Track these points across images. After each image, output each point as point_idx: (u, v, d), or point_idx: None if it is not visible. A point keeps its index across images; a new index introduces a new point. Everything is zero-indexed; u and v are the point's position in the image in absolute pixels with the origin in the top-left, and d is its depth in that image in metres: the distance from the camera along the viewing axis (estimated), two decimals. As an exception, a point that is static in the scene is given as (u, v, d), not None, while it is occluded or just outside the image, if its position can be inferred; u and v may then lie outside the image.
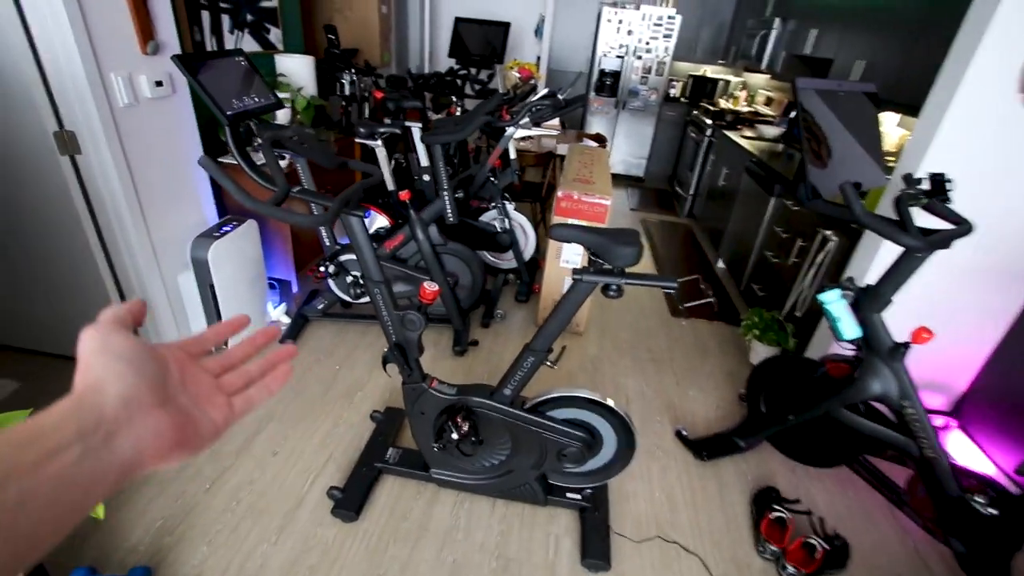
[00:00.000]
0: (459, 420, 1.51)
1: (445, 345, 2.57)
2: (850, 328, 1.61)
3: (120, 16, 1.71)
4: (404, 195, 2.26)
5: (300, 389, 2.19)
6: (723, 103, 5.21)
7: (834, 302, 1.62)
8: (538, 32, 5.42)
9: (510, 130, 2.36)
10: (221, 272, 2.09)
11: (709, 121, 4.45)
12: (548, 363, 1.50)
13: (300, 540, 1.58)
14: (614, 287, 1.33)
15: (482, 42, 4.40)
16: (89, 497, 0.29)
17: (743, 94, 5.15)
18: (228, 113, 1.15)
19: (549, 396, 1.57)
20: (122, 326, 0.35)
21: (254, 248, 2.30)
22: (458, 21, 4.44)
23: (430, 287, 1.43)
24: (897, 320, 1.68)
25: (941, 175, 1.51)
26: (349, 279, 2.43)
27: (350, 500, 1.68)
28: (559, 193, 2.38)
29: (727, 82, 5.44)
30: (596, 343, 2.73)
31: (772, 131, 4.00)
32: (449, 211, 2.34)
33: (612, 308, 3.06)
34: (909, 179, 1.55)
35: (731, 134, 3.97)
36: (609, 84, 5.24)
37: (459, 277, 2.54)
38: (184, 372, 0.37)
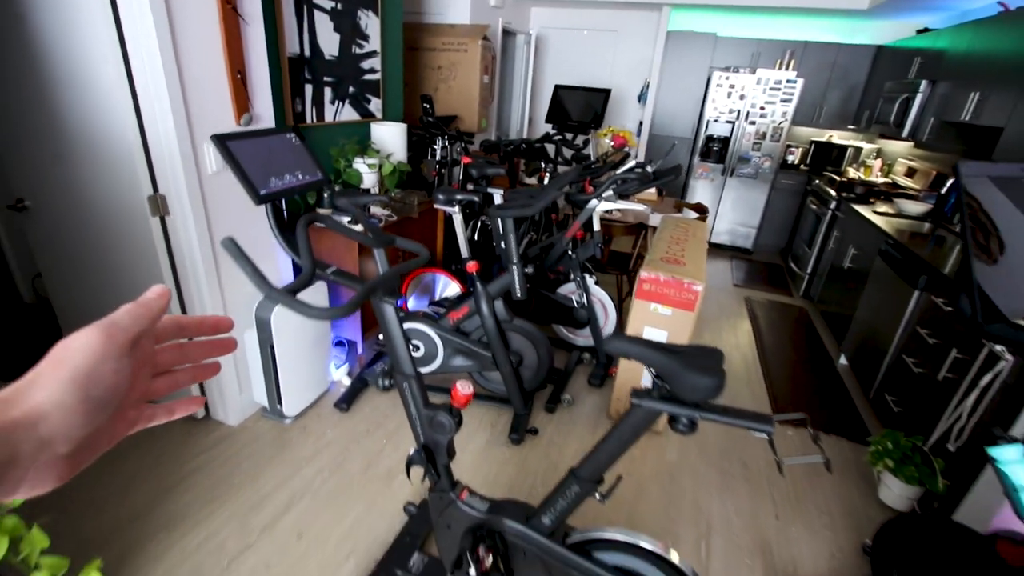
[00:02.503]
0: (480, 552, 1.26)
1: (502, 429, 2.33)
2: (1041, 504, 1.12)
3: (218, 90, 1.82)
4: (472, 267, 2.13)
5: (342, 461, 2.07)
6: (852, 172, 4.61)
7: (1014, 463, 1.15)
8: (641, 98, 5.30)
9: (592, 203, 2.17)
10: (283, 333, 2.08)
11: (833, 192, 3.92)
12: (597, 497, 1.21)
13: (297, 658, 1.39)
14: (685, 421, 1.03)
15: (583, 108, 4.35)
16: None
17: (877, 163, 4.52)
18: (261, 192, 1.09)
19: (599, 536, 1.26)
20: (135, 339, 0.32)
21: (324, 331, 2.30)
22: (558, 88, 4.46)
23: (463, 389, 1.23)
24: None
25: None
26: (411, 348, 2.32)
27: (360, 616, 1.47)
28: (642, 274, 2.11)
29: (857, 149, 4.84)
30: (677, 447, 2.33)
31: (915, 207, 3.39)
32: (517, 286, 2.16)
33: (701, 404, 2.63)
34: None
35: (861, 208, 3.43)
36: (717, 150, 4.90)
37: (523, 356, 2.33)
38: (135, 376, 0.33)
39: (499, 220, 2.11)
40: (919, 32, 4.10)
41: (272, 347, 2.07)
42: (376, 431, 2.27)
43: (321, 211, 2.28)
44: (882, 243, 2.91)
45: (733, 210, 5.12)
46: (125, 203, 1.87)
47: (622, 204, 2.21)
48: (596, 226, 2.58)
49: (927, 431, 2.03)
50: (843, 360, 3.18)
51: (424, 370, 2.39)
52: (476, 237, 3.42)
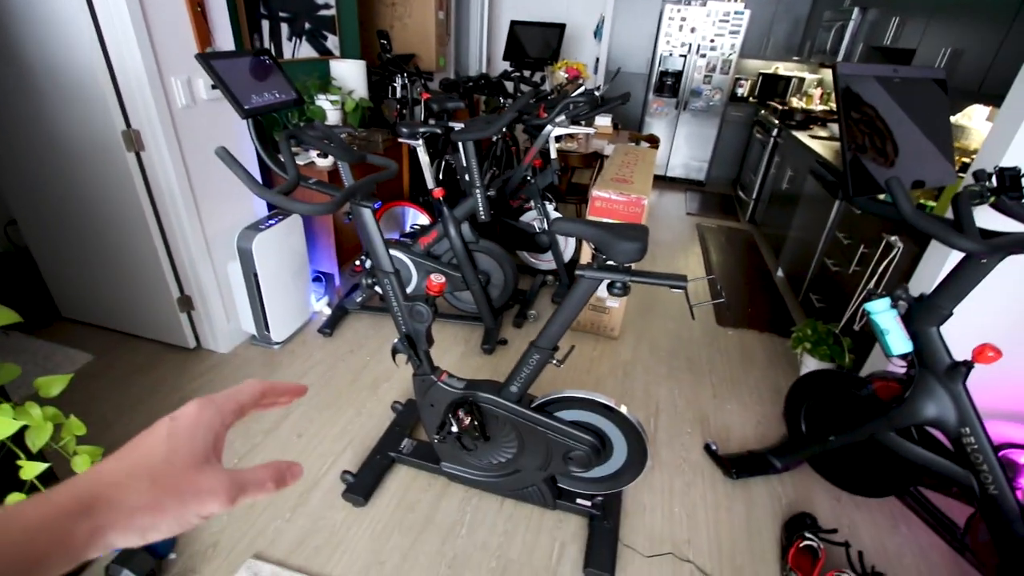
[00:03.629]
0: (461, 414, 1.50)
1: (475, 343, 2.58)
2: (900, 342, 1.43)
3: (181, 23, 1.87)
4: (437, 192, 2.30)
5: (330, 377, 2.28)
6: (795, 102, 4.87)
7: (882, 312, 1.45)
8: (597, 33, 5.35)
9: (547, 128, 2.34)
10: (265, 262, 2.22)
11: (776, 121, 4.17)
12: (554, 362, 1.46)
13: (310, 520, 1.64)
14: (619, 285, 1.27)
15: (539, 44, 4.40)
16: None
17: (818, 92, 4.78)
18: (246, 106, 1.22)
19: (556, 396, 1.52)
20: (232, 417, 0.36)
21: (298, 241, 2.44)
22: (513, 24, 4.48)
23: (436, 279, 1.43)
24: (958, 337, 1.48)
25: (1016, 169, 1.31)
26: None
27: (361, 486, 1.72)
28: (593, 192, 2.32)
29: (801, 80, 5.08)
30: (631, 349, 2.63)
31: (846, 130, 3.67)
32: (481, 209, 2.35)
33: (652, 313, 2.94)
34: (978, 174, 1.36)
35: (799, 134, 3.70)
36: (670, 84, 5.06)
37: (491, 276, 2.55)
38: (211, 451, 0.35)
39: (461, 146, 2.26)
40: (857, -40, 4.26)
41: (256, 275, 2.22)
42: (359, 350, 2.47)
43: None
44: (812, 163, 3.19)
45: (687, 144, 5.35)
46: (99, 140, 1.93)
47: (575, 129, 2.38)
48: (553, 154, 2.76)
49: (841, 318, 2.38)
50: (780, 273, 3.53)
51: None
52: (441, 177, 3.54)
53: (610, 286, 1.29)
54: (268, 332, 2.38)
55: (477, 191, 2.32)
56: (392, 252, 2.43)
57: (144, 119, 1.87)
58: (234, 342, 2.44)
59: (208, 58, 1.19)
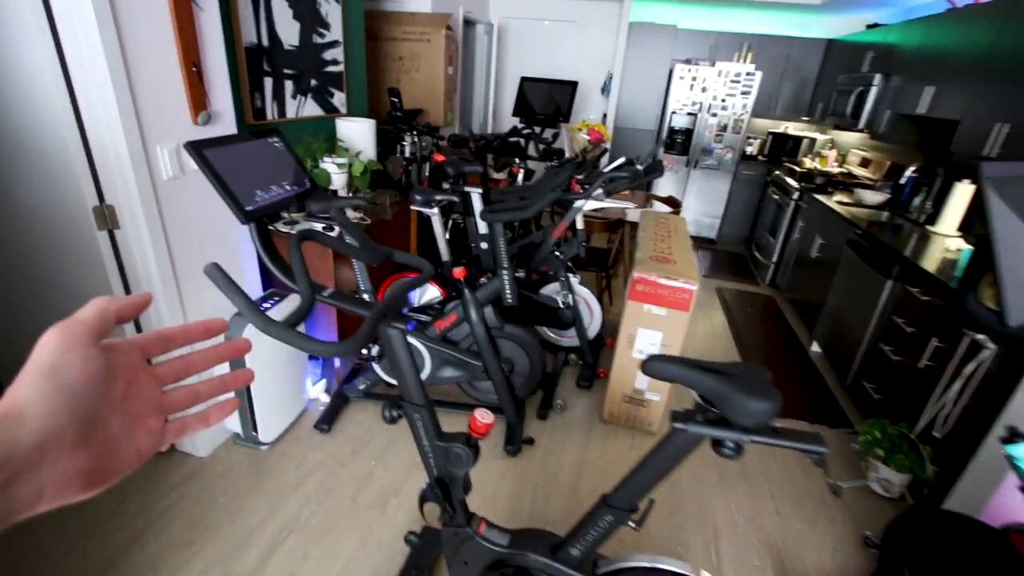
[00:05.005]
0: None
1: (496, 440, 2.24)
2: (1060, 499, 1.15)
3: (171, 86, 1.61)
4: (459, 273, 2.01)
5: (329, 488, 1.92)
6: (808, 163, 4.77)
7: (1032, 459, 1.17)
8: (604, 90, 5.27)
9: (579, 203, 2.10)
10: (256, 354, 1.88)
11: (795, 183, 4.03)
12: (631, 524, 1.14)
13: None
14: (731, 444, 0.98)
15: (547, 101, 4.27)
16: None
17: (832, 153, 4.70)
18: (248, 208, 0.94)
19: (629, 565, 1.19)
20: (98, 333, 0.31)
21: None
22: (524, 80, 4.35)
23: (483, 418, 1.13)
24: None
25: None
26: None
27: (370, 665, 1.35)
28: (635, 275, 2.06)
29: (812, 140, 5.01)
30: (672, 447, 2.31)
31: (873, 197, 3.53)
32: (508, 292, 2.07)
33: (686, 405, 2.63)
34: None
35: (823, 198, 3.54)
36: (680, 142, 4.95)
37: (515, 364, 2.24)
38: (130, 383, 0.33)
39: (489, 224, 2.00)
40: (869, 27, 4.26)
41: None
42: (362, 451, 2.12)
43: (293, 216, 2.10)
44: (850, 233, 3.00)
45: (697, 201, 5.20)
46: (65, 214, 1.63)
47: (612, 203, 2.15)
48: (580, 224, 2.52)
49: (909, 418, 2.10)
50: (816, 347, 3.28)
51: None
52: (448, 236, 3.28)
53: (717, 444, 0.99)
54: (256, 432, 2.02)
55: (504, 273, 2.05)
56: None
57: (121, 194, 1.57)
58: (215, 442, 2.08)
59: (200, 148, 0.91)
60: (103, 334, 0.32)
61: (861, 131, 3.83)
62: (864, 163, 4.33)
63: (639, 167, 2.01)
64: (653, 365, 0.99)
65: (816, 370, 3.09)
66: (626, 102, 5.20)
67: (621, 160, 2.12)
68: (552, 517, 1.89)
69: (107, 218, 1.61)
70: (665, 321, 2.11)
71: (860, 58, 4.08)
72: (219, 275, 0.87)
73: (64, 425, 0.28)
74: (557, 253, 2.40)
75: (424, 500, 1.24)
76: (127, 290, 1.74)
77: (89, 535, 1.66)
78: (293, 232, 1.65)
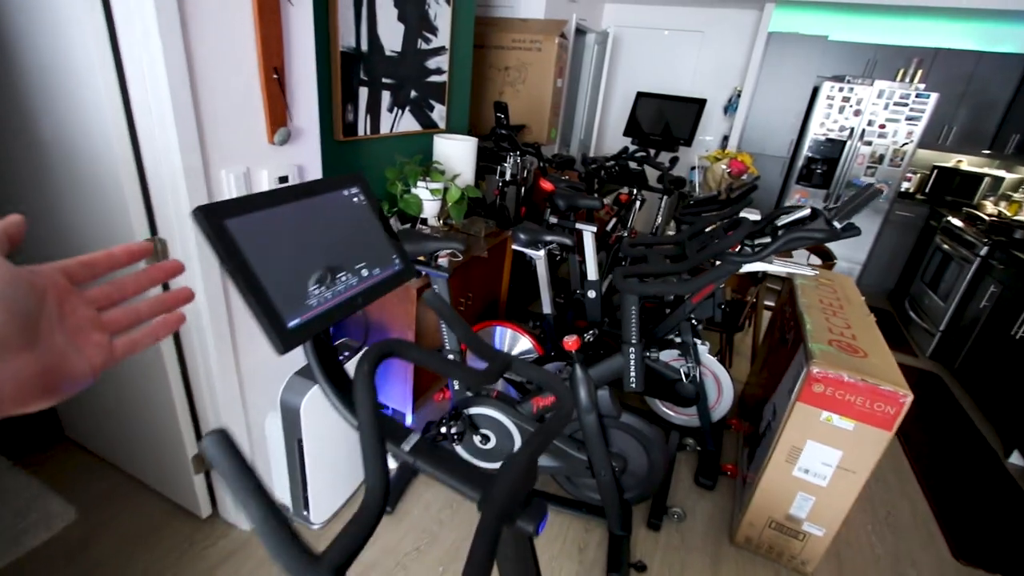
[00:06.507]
0: None
1: (593, 556, 1.75)
2: None
3: (245, 98, 1.30)
4: (571, 345, 1.55)
5: (386, 603, 1.53)
6: (991, 207, 3.84)
7: None
8: (728, 109, 4.63)
9: (749, 267, 1.56)
10: (315, 426, 1.55)
11: (984, 236, 3.18)
12: None
13: None
14: None
15: (666, 120, 3.72)
16: None
17: (1030, 198, 3.74)
18: (290, 325, 0.53)
19: None
20: None
21: None
22: (640, 96, 3.84)
23: None
24: None
25: None
26: (479, 440, 1.77)
27: None
28: (814, 370, 1.49)
29: (996, 179, 4.05)
30: (835, 600, 1.70)
31: (1113, 264, 2.64)
32: (633, 376, 1.58)
33: (859, 543, 1.98)
34: None
35: (1035, 261, 2.71)
36: (820, 173, 4.19)
37: (628, 461, 1.74)
38: (63, 302, 0.33)
39: (624, 297, 1.52)
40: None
41: (300, 442, 1.54)
42: (429, 549, 1.71)
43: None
44: (1096, 318, 2.20)
45: (835, 243, 4.39)
46: (112, 243, 1.36)
47: (780, 267, 1.60)
48: (720, 283, 1.97)
49: None
50: (1017, 459, 2.47)
51: (493, 466, 1.83)
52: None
53: None
54: (307, 512, 1.68)
55: (632, 350, 1.56)
56: (490, 411, 1.70)
57: (175, 226, 1.28)
58: (262, 512, 1.76)
59: (219, 217, 0.51)
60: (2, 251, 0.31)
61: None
62: (1082, 214, 3.36)
63: (836, 224, 1.44)
64: None
65: (1021, 493, 2.29)
66: (755, 123, 4.51)
67: (804, 211, 1.56)
68: None
69: (158, 252, 1.32)
70: (851, 438, 1.52)
71: (1089, 80, 3.16)
72: (220, 448, 0.48)
73: (4, 324, 0.28)
74: (695, 322, 1.89)
75: None
76: (176, 337, 1.45)
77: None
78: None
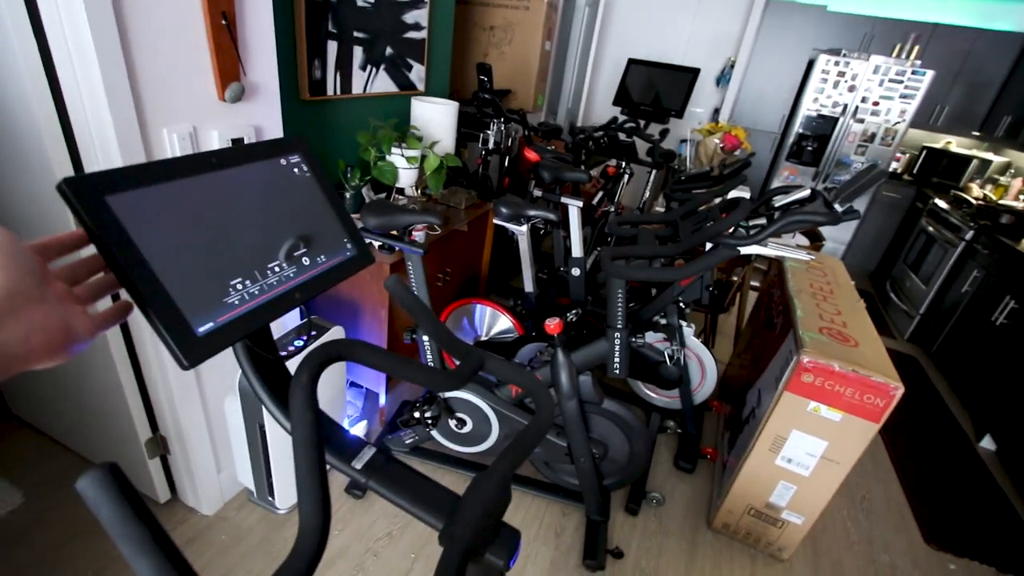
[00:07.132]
0: None
1: (570, 542, 1.71)
2: None
3: (188, 47, 1.13)
4: (554, 328, 1.46)
5: (354, 592, 1.47)
6: (977, 190, 3.81)
7: None
8: (721, 80, 4.48)
9: (745, 250, 1.47)
10: (278, 407, 1.44)
11: (971, 220, 3.16)
12: None
13: None
14: None
15: (657, 90, 3.57)
16: None
17: (1017, 182, 3.71)
18: (201, 331, 0.42)
19: None
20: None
21: (337, 373, 1.66)
22: (631, 63, 3.66)
23: None
24: None
25: None
26: (455, 422, 1.69)
27: None
28: (804, 359, 1.43)
29: (984, 162, 4.02)
30: (809, 585, 1.69)
31: (1096, 252, 2.64)
32: (618, 362, 1.50)
33: (834, 528, 1.98)
34: None
35: (1019, 245, 2.70)
36: (811, 150, 4.11)
37: (609, 448, 1.68)
38: (44, 274, 0.34)
39: (611, 282, 1.42)
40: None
41: (262, 427, 1.44)
42: (401, 535, 1.65)
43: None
44: (1079, 306, 2.19)
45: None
46: (37, 201, 1.21)
47: (774, 250, 1.52)
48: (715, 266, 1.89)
49: None
50: (989, 444, 2.50)
51: (469, 450, 1.76)
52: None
53: None
54: (272, 497, 1.60)
55: (617, 335, 1.48)
56: (466, 395, 1.62)
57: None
58: (224, 496, 1.67)
59: (99, 191, 0.40)
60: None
61: (1080, 160, 2.91)
62: (1066, 200, 3.35)
63: (837, 208, 1.36)
64: None
65: (991, 477, 2.33)
66: (747, 97, 4.38)
67: (803, 192, 1.47)
68: None
69: (94, 222, 1.17)
70: (837, 429, 1.47)
71: (1086, 62, 3.10)
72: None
73: (19, 278, 0.30)
74: (683, 305, 1.81)
75: None
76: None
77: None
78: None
